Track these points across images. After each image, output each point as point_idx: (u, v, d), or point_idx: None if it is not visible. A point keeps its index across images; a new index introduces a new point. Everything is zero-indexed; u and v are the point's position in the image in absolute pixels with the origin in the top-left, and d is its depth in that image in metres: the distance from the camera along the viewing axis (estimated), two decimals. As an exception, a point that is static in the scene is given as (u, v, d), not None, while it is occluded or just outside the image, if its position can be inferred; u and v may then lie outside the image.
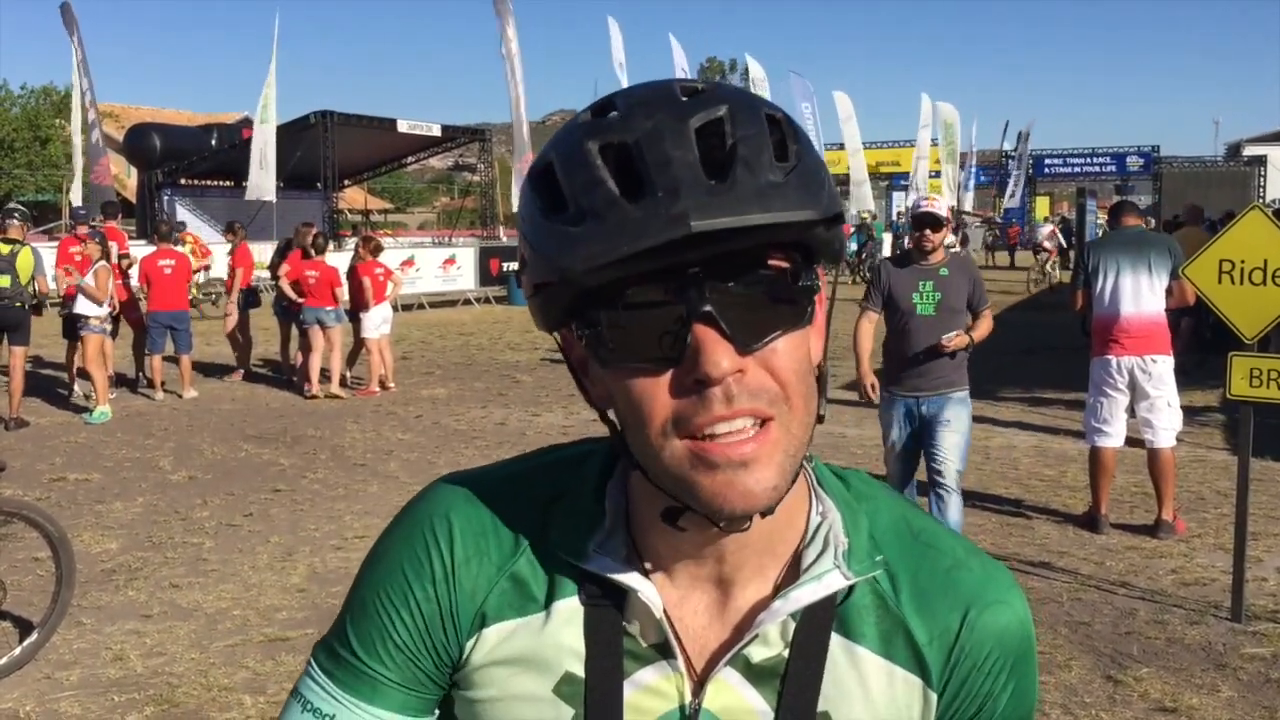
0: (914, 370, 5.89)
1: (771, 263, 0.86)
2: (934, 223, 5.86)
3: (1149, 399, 6.77)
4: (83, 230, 12.78)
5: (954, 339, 5.79)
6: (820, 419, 0.91)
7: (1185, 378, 8.36)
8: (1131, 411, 6.93)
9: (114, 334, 11.98)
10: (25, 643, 4.98)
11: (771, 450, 0.85)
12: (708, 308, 0.82)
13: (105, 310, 11.27)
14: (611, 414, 0.92)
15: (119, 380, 12.94)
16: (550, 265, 0.84)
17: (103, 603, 5.77)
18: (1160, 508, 6.86)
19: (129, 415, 11.24)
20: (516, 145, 26.39)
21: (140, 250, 13.33)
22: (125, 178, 41.28)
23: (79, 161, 23.67)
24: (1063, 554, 6.49)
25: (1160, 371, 6.75)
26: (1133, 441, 7.19)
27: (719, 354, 0.82)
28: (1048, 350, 15.74)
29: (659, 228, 0.79)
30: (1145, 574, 6.15)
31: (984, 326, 5.94)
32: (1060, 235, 33.45)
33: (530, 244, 0.87)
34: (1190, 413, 8.44)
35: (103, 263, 11.29)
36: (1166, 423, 6.78)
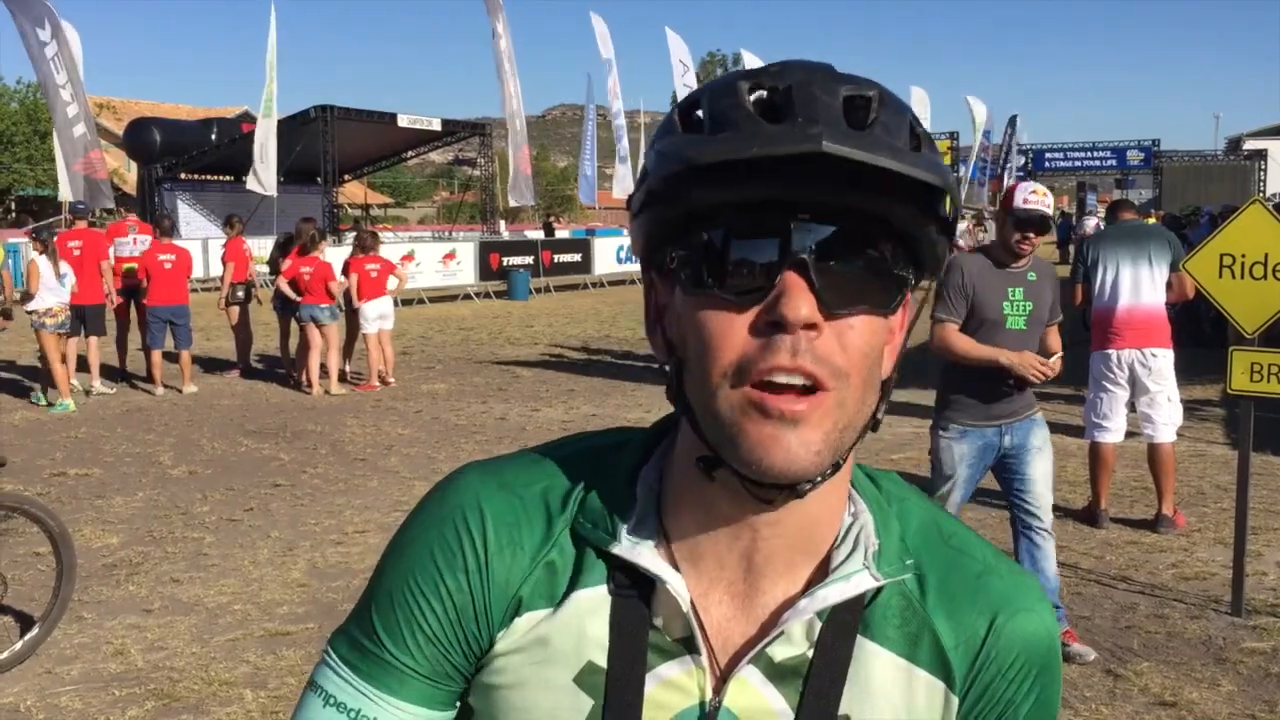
0: (1002, 395, 4.94)
1: (877, 245, 0.87)
2: (1043, 225, 4.86)
3: (1149, 393, 6.77)
4: (81, 225, 12.79)
5: (1056, 363, 4.94)
6: (875, 424, 0.91)
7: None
8: (1132, 406, 6.93)
9: (74, 331, 11.86)
10: (26, 637, 4.99)
11: (823, 417, 0.84)
12: (805, 256, 0.83)
13: (49, 304, 11.19)
14: (670, 367, 0.92)
15: (116, 375, 12.95)
16: (676, 156, 0.84)
17: (103, 597, 5.78)
18: (1160, 502, 6.86)
19: (129, 410, 11.24)
20: (511, 139, 26.37)
21: (121, 248, 13.21)
22: (125, 172, 41.25)
23: (59, 157, 23.54)
24: (1063, 548, 6.48)
25: (1161, 366, 6.75)
26: (1133, 434, 7.20)
27: (801, 300, 0.82)
28: (1048, 345, 15.71)
29: (791, 140, 0.79)
30: (1145, 568, 6.15)
31: (1059, 342, 5.19)
32: (1055, 232, 33.51)
33: (657, 152, 0.87)
34: (1190, 407, 8.44)
35: (40, 258, 11.22)
36: (1167, 417, 6.78)
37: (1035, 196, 4.84)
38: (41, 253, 11.29)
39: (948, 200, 0.86)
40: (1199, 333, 13.73)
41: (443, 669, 0.96)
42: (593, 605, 0.94)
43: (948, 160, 49.94)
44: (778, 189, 0.82)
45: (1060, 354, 5.03)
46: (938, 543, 0.98)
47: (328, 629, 5.22)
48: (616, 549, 0.93)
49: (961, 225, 32.46)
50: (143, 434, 10.03)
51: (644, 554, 0.93)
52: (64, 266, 11.42)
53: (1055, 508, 7.33)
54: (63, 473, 8.53)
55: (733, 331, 0.85)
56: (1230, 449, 8.56)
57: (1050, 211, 4.92)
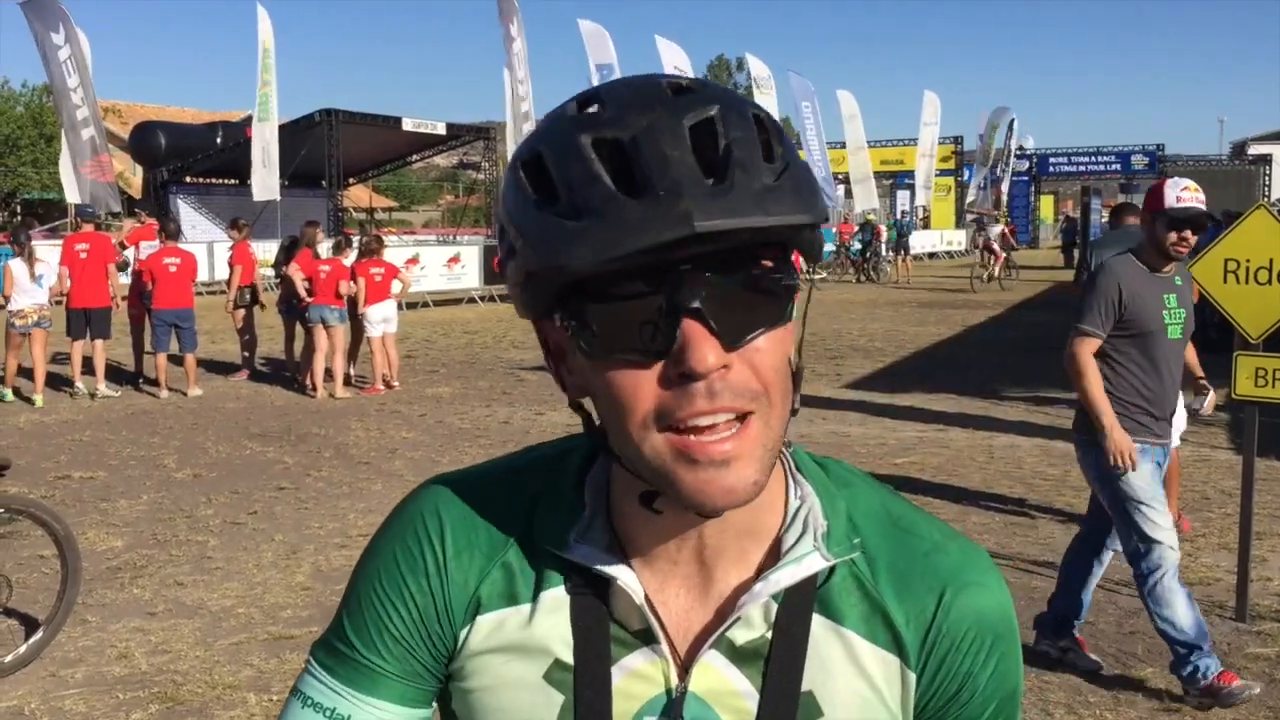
0: (1166, 412, 4.61)
1: (759, 261, 0.88)
2: (1198, 222, 4.46)
3: (1153, 398, 6.74)
4: (88, 228, 12.82)
5: (1209, 405, 4.71)
6: (794, 412, 0.93)
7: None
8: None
9: (79, 334, 12.13)
10: (31, 640, 4.99)
11: (752, 446, 0.87)
12: (696, 304, 0.84)
13: (21, 306, 11.50)
14: (588, 404, 0.95)
15: (128, 377, 12.97)
16: (547, 258, 0.85)
17: (108, 600, 5.78)
18: (1165, 507, 6.84)
19: (134, 413, 11.26)
20: (513, 141, 26.35)
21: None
22: (131, 175, 41.33)
23: (66, 162, 23.60)
24: (1067, 553, 6.47)
25: (1165, 371, 6.72)
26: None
27: (706, 349, 0.84)
28: (1051, 349, 15.68)
29: (662, 226, 0.80)
30: (1149, 573, 6.13)
31: (1197, 362, 4.89)
32: (1060, 236, 33.42)
33: (521, 234, 0.88)
34: (1194, 412, 8.39)
35: (14, 261, 11.54)
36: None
37: (1188, 194, 4.45)
38: (18, 255, 11.47)
39: (817, 206, 0.88)
40: (1203, 338, 13.70)
41: (412, 668, 1.01)
42: (554, 605, 0.99)
43: (950, 165, 49.96)
44: (655, 255, 0.82)
45: (1209, 388, 4.90)
46: (886, 524, 1.01)
47: (331, 632, 5.23)
48: (568, 554, 0.98)
49: (995, 229, 32.43)
50: (147, 437, 10.04)
51: (595, 556, 0.97)
52: (41, 268, 11.61)
53: (1059, 512, 7.38)
54: (67, 475, 8.54)
55: (642, 387, 0.87)
56: (1235, 454, 8.54)
57: (1204, 207, 4.50)
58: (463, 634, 1.00)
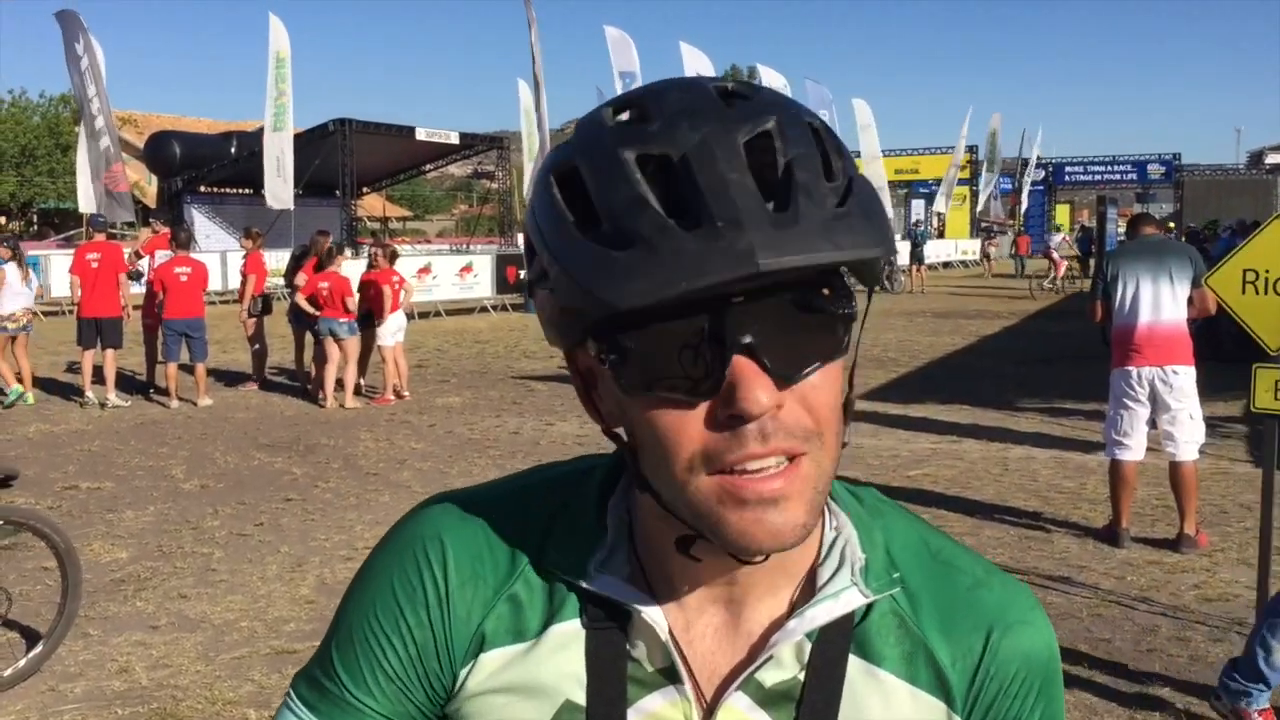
0: None
1: (816, 289, 0.80)
2: None
3: (1170, 411, 6.65)
4: (99, 238, 12.82)
5: None
6: (844, 445, 0.86)
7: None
8: (1153, 423, 6.82)
9: (89, 343, 12.23)
10: (31, 654, 4.94)
11: (802, 487, 0.80)
12: (749, 339, 0.76)
13: (11, 310, 11.92)
14: (621, 431, 0.86)
15: (139, 387, 12.97)
16: (590, 294, 0.76)
17: (110, 613, 5.73)
18: (1182, 521, 6.74)
19: (143, 423, 11.24)
20: (527, 152, 26.36)
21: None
22: (146, 185, 41.52)
23: (83, 170, 23.74)
24: (1082, 568, 6.38)
25: (1182, 383, 6.63)
26: (1154, 452, 7.08)
27: (758, 389, 0.76)
28: (1066, 360, 15.60)
29: (722, 264, 0.72)
30: (1167, 589, 6.03)
31: None
32: (1076, 246, 33.56)
33: (558, 260, 0.79)
34: (1213, 424, 8.30)
35: (8, 264, 11.92)
36: (1189, 435, 6.66)
37: None
38: (9, 259, 11.72)
39: (888, 235, 0.81)
40: (1220, 348, 13.58)
41: (404, 709, 0.92)
42: (566, 640, 0.90)
43: (965, 174, 49.82)
44: (710, 290, 0.74)
45: None
46: (925, 558, 0.94)
47: (334, 647, 5.17)
48: (587, 583, 0.89)
49: (1057, 237, 32.37)
50: (156, 447, 10.01)
51: (616, 586, 0.89)
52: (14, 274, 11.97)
53: (1075, 526, 7.27)
54: (74, 486, 8.50)
55: (687, 427, 0.79)
56: (1254, 467, 8.42)
57: None
58: (463, 673, 0.91)
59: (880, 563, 0.91)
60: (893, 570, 0.91)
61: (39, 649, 4.97)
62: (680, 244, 0.73)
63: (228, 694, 4.75)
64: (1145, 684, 4.81)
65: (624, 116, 0.81)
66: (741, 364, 0.76)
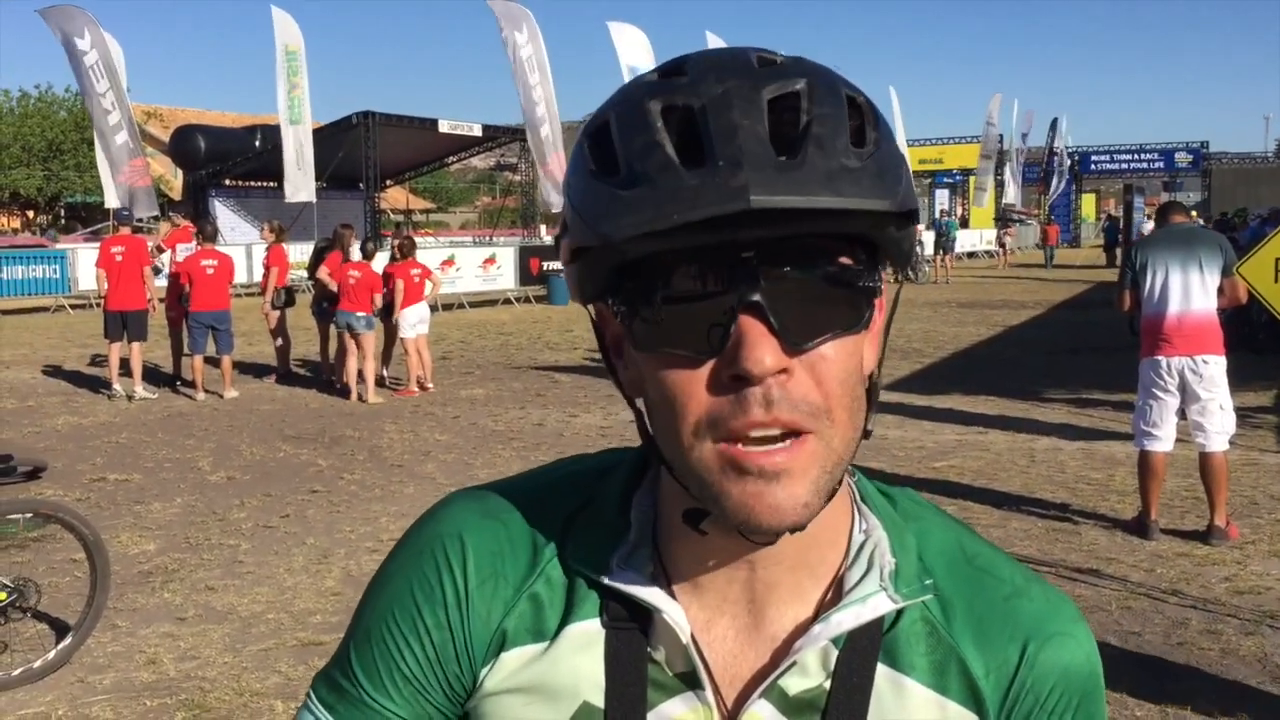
0: None
1: (835, 258, 0.78)
2: None
3: (1200, 401, 6.58)
4: (124, 231, 12.90)
5: None
6: (867, 434, 0.83)
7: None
8: (1182, 414, 6.75)
9: (116, 336, 12.20)
10: (60, 646, 4.98)
11: (807, 464, 0.77)
12: (757, 297, 0.75)
13: None
14: (640, 403, 0.85)
15: (166, 379, 13.05)
16: (591, 228, 0.77)
17: (138, 605, 5.77)
18: (1212, 513, 6.67)
19: (170, 415, 11.31)
20: (535, 146, 26.31)
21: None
22: (171, 179, 41.77)
23: (103, 165, 23.84)
24: (1111, 561, 6.33)
25: (1212, 373, 6.56)
26: (1183, 442, 7.01)
27: (763, 349, 0.74)
28: (1094, 350, 15.49)
29: (714, 199, 0.71)
30: (1197, 582, 5.97)
31: None
32: (1103, 235, 33.35)
33: (573, 204, 0.80)
34: (1243, 414, 8.21)
35: None
36: (1219, 426, 6.59)
37: None
38: None
39: (900, 193, 0.77)
40: (1251, 338, 13.45)
41: (423, 711, 0.90)
42: (586, 640, 0.87)
43: (990, 163, 49.43)
44: (713, 235, 0.73)
45: None
46: (961, 563, 0.90)
47: (360, 639, 5.18)
48: (609, 579, 0.87)
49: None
50: (183, 439, 10.07)
51: (639, 584, 0.86)
52: None
53: (1103, 518, 7.21)
54: (103, 478, 8.57)
55: (694, 388, 0.77)
56: (1285, 458, 8.33)
57: None
58: (483, 673, 0.89)
59: (911, 568, 0.88)
60: (925, 576, 0.88)
61: (68, 640, 5.00)
62: (679, 180, 0.73)
63: (255, 685, 4.77)
64: (1176, 678, 4.76)
65: (665, 76, 0.80)
66: (748, 322, 0.75)
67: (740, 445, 0.76)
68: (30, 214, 51.16)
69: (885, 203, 0.75)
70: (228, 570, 6.33)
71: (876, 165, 0.76)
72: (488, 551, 0.90)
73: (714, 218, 0.72)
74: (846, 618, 0.85)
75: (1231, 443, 6.82)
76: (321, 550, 6.68)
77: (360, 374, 12.26)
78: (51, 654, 4.92)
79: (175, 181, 40.49)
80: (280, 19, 25.23)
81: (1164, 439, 6.68)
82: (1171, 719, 4.40)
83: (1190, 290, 6.54)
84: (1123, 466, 8.38)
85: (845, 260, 0.79)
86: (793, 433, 0.76)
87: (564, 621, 0.88)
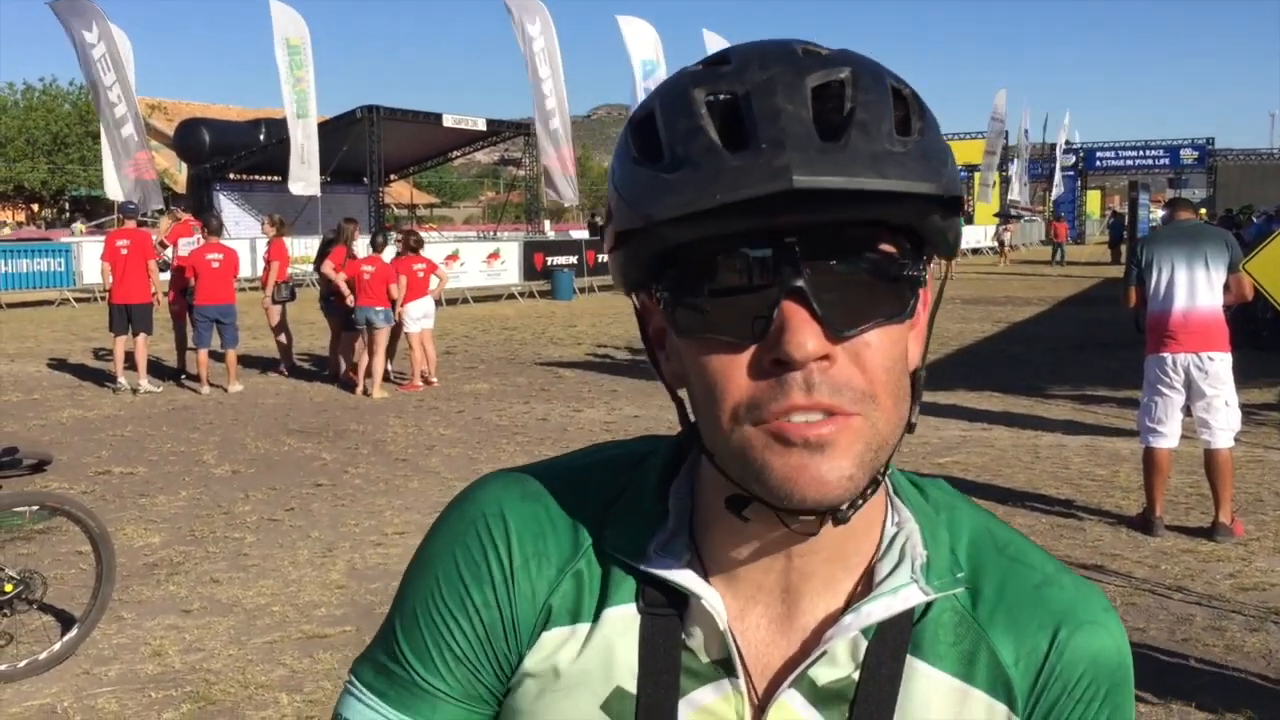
0: None
1: (879, 246, 0.78)
2: None
3: (1206, 398, 6.57)
4: (129, 224, 12.91)
5: None
6: (911, 427, 0.84)
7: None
8: (1187, 410, 6.74)
9: (121, 329, 12.19)
10: (65, 638, 4.99)
11: (852, 439, 0.77)
12: (799, 283, 0.75)
13: None
14: (683, 394, 0.85)
15: (169, 373, 13.07)
16: (635, 210, 0.77)
17: (144, 597, 5.78)
18: (1217, 509, 6.67)
19: (175, 409, 11.32)
20: (543, 140, 26.27)
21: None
22: (176, 172, 41.80)
23: (107, 159, 23.86)
24: (1116, 557, 6.33)
25: (1218, 369, 6.55)
26: (1188, 439, 7.00)
27: (805, 334, 0.74)
28: (1099, 346, 15.47)
29: (757, 179, 0.71)
30: (1202, 578, 5.97)
31: None
32: (1108, 231, 33.26)
33: (618, 190, 0.81)
34: (1248, 411, 8.21)
35: None
36: (1224, 422, 6.59)
37: None
38: None
39: (946, 178, 0.77)
40: (1256, 335, 13.43)
41: (475, 691, 0.90)
42: (621, 625, 0.87)
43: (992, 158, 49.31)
44: (756, 220, 0.73)
45: None
46: (992, 552, 0.90)
47: (365, 631, 5.19)
48: (647, 566, 0.87)
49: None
50: (188, 432, 10.08)
51: (677, 570, 0.86)
52: None
53: (1107, 514, 7.20)
54: (108, 471, 8.58)
55: (735, 373, 0.77)
56: (1289, 455, 8.32)
57: None
58: (528, 652, 0.89)
59: (943, 560, 0.88)
60: (956, 569, 0.88)
61: (74, 632, 5.01)
62: (722, 162, 0.73)
63: (260, 678, 4.77)
64: (1180, 674, 4.76)
65: (710, 66, 0.81)
66: (790, 308, 0.75)
67: (782, 422, 0.76)
68: (35, 207, 51.22)
69: (930, 185, 0.75)
70: (233, 563, 6.34)
71: (921, 150, 0.76)
72: (530, 531, 0.90)
73: (757, 199, 0.72)
74: (877, 609, 0.85)
75: (1237, 439, 6.81)
76: (326, 544, 6.69)
77: (368, 368, 12.27)
78: (57, 646, 4.93)
79: (180, 175, 40.50)
80: (280, 12, 25.17)
81: (1169, 436, 6.68)
82: (1176, 715, 4.40)
83: (1196, 287, 6.53)
84: (1127, 463, 8.38)
85: (888, 249, 0.78)
86: (829, 414, 0.76)
87: (601, 605, 0.88)
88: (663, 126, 0.78)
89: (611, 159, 0.85)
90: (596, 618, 0.88)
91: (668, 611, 0.87)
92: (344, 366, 13.01)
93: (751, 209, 0.72)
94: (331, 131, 28.79)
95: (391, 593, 4.79)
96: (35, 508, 5.04)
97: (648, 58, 28.06)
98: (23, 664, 4.79)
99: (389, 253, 13.05)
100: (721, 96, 0.77)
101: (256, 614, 5.54)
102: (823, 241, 0.75)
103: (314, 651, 5.05)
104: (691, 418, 0.84)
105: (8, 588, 4.86)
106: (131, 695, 4.63)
